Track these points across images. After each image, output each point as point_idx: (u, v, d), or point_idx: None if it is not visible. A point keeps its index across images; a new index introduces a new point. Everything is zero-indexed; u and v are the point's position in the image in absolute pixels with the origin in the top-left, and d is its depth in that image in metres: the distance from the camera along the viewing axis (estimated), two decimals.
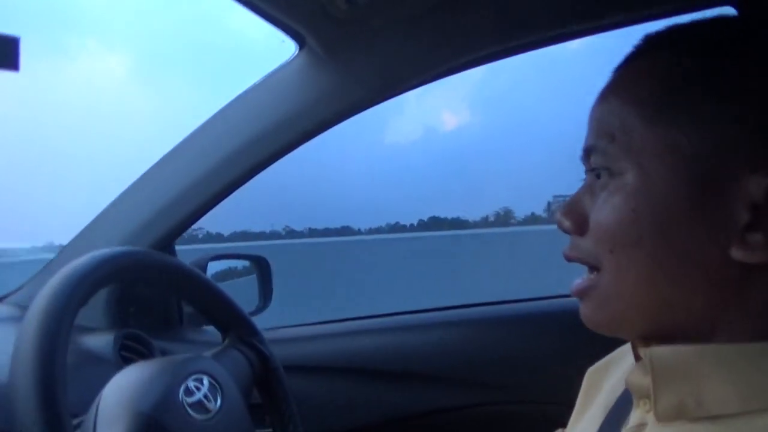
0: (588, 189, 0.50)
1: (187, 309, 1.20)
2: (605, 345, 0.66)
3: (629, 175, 0.45)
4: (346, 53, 0.88)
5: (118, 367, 0.94)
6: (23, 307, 1.08)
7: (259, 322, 0.93)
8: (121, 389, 0.64)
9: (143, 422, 0.60)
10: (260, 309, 1.27)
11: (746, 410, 0.41)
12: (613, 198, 0.46)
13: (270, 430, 0.85)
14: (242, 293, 1.17)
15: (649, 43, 0.49)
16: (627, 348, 0.65)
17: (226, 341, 0.84)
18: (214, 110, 1.03)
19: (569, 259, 0.52)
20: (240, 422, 0.72)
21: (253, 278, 1.33)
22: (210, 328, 1.22)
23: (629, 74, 0.49)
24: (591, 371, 0.68)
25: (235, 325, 0.85)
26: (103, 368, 0.91)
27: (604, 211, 0.47)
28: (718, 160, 0.42)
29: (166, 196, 1.02)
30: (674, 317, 0.46)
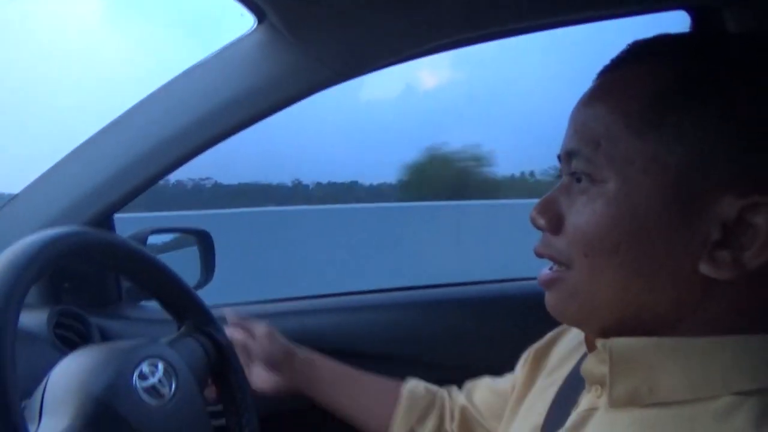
0: (565, 189, 0.51)
1: (126, 284, 1.15)
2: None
3: (611, 183, 0.47)
4: (308, 32, 0.85)
5: (53, 346, 0.90)
6: None
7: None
8: (70, 373, 0.61)
9: (93, 406, 0.58)
10: (202, 284, 1.24)
11: (694, 397, 0.45)
12: (594, 204, 0.48)
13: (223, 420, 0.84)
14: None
15: (637, 51, 0.50)
16: (565, 327, 0.69)
17: (182, 329, 0.82)
18: (187, 63, 0.97)
19: (540, 256, 0.54)
20: (194, 409, 0.70)
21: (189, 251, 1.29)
22: (150, 304, 1.18)
23: (616, 82, 0.49)
24: (535, 348, 0.72)
25: (191, 313, 0.83)
26: (38, 347, 0.87)
27: (582, 216, 0.49)
28: (698, 176, 0.44)
29: (108, 168, 0.97)
30: (638, 317, 0.48)
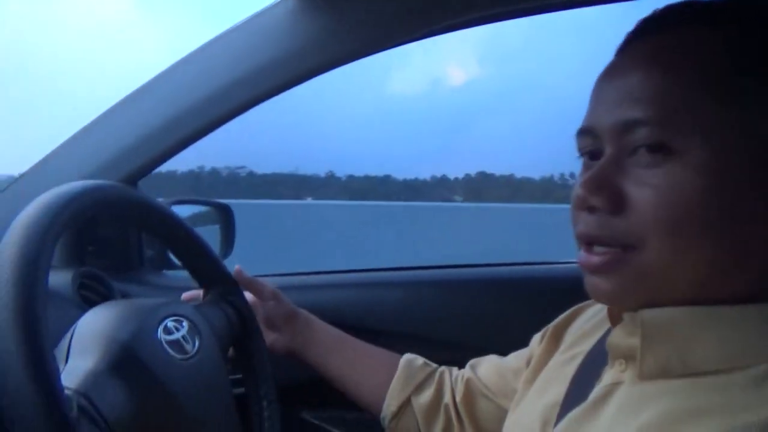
0: (613, 164, 0.48)
1: (148, 251, 1.17)
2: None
3: (696, 154, 0.44)
4: (340, 1, 0.85)
5: (77, 306, 0.91)
6: None
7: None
8: (97, 321, 0.63)
9: (118, 349, 0.59)
10: (222, 257, 1.25)
11: (728, 366, 0.44)
12: (676, 177, 0.44)
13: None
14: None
15: (679, 15, 0.48)
16: (590, 302, 0.68)
17: (208, 297, 0.83)
18: None
19: (592, 239, 0.49)
20: (216, 369, 0.71)
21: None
22: (171, 272, 1.19)
23: (673, 46, 0.47)
24: (554, 325, 0.71)
25: (217, 282, 0.83)
26: (64, 306, 0.88)
27: (662, 191, 0.45)
28: None
29: (135, 133, 0.97)
30: (704, 288, 0.46)
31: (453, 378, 0.85)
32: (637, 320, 0.48)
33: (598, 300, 0.51)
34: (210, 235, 1.28)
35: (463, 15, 0.90)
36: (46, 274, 0.52)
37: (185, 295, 0.90)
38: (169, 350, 0.64)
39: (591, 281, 0.50)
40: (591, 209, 0.48)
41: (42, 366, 0.47)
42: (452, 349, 1.11)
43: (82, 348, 0.59)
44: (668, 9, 0.49)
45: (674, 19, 0.48)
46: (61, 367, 0.57)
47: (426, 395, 0.83)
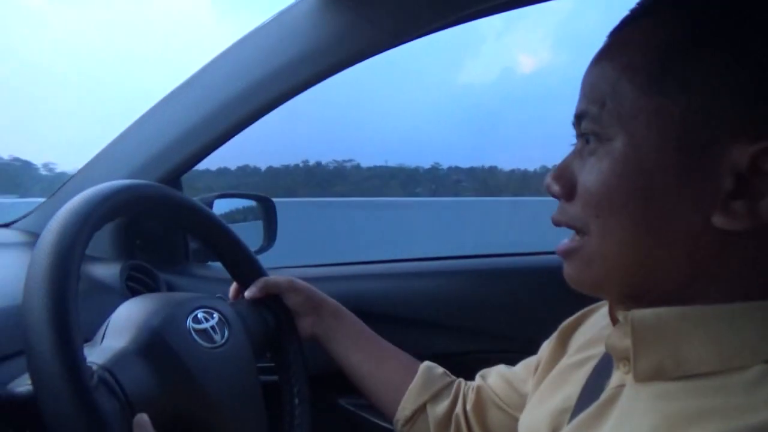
0: (578, 154, 0.51)
1: (193, 244, 1.22)
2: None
3: (618, 141, 0.46)
4: None
5: (125, 297, 0.97)
6: (30, 233, 1.09)
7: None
8: (132, 309, 0.68)
9: (148, 334, 0.64)
10: (264, 249, 1.29)
11: (723, 368, 0.43)
12: (601, 163, 0.47)
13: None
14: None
15: (645, 5, 0.49)
16: (599, 304, 0.67)
17: (245, 298, 0.87)
18: None
19: (557, 224, 0.53)
20: (244, 360, 0.74)
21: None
22: (216, 264, 1.24)
23: (623, 39, 0.49)
24: (564, 326, 0.71)
25: (253, 280, 0.87)
26: (111, 297, 0.94)
27: (591, 177, 0.48)
28: (705, 127, 0.43)
29: (174, 131, 1.02)
30: (655, 280, 0.47)
31: (466, 387, 0.85)
32: (628, 320, 0.47)
33: (570, 285, 0.53)
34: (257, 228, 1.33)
35: (486, 1, 0.89)
36: (79, 261, 0.57)
37: (233, 291, 0.93)
38: (197, 338, 0.68)
39: (564, 266, 0.53)
40: (554, 196, 0.52)
41: (66, 339, 0.51)
42: (475, 338, 1.11)
43: (116, 332, 0.65)
44: (638, 3, 0.49)
45: (634, 13, 0.49)
46: (95, 347, 0.63)
47: (443, 406, 0.83)
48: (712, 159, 0.43)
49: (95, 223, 0.62)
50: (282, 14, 0.97)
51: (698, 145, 0.43)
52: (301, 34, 0.95)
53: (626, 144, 0.46)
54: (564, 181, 0.51)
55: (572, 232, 0.52)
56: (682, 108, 0.43)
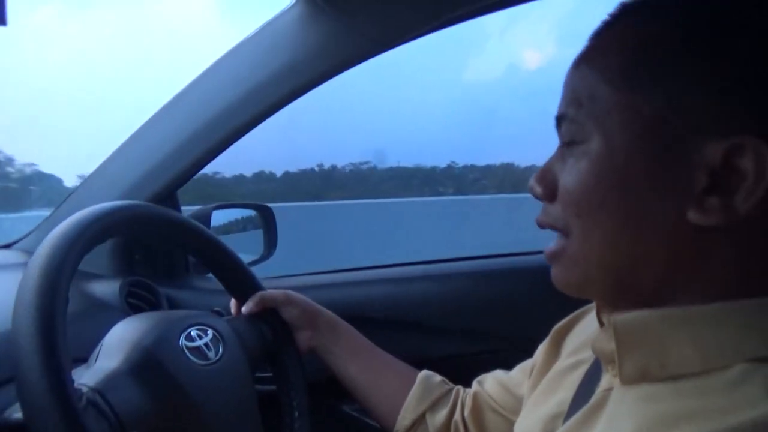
0: (559, 156, 0.51)
1: (192, 258, 1.22)
2: None
3: (594, 141, 0.47)
4: (345, 3, 0.86)
5: (125, 314, 0.97)
6: (28, 253, 1.10)
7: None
8: (126, 329, 0.69)
9: (140, 353, 0.65)
10: (264, 258, 1.29)
11: (707, 368, 0.43)
12: (579, 164, 0.48)
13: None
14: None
15: (623, 10, 0.49)
16: (591, 306, 0.67)
17: (242, 314, 0.87)
18: None
19: (541, 225, 0.53)
20: (239, 377, 0.74)
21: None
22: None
23: (600, 42, 0.49)
24: (556, 329, 0.71)
25: (249, 295, 0.87)
26: (110, 314, 0.94)
27: (570, 177, 0.49)
28: (677, 124, 0.43)
29: (165, 147, 1.02)
30: (637, 279, 0.47)
31: (464, 394, 0.85)
32: (611, 324, 0.47)
33: (558, 288, 0.53)
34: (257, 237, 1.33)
35: (472, 3, 0.88)
36: (67, 284, 0.58)
37: (233, 308, 0.93)
38: (190, 356, 0.69)
39: (551, 270, 0.53)
40: (538, 198, 0.53)
41: (53, 362, 0.52)
42: (472, 340, 1.11)
43: (109, 352, 0.65)
44: (618, 6, 0.50)
45: (613, 17, 0.49)
46: (89, 368, 0.64)
47: (442, 414, 0.83)
48: (685, 155, 0.43)
49: (84, 245, 0.63)
50: (267, 26, 0.97)
51: (670, 142, 0.43)
52: (287, 45, 0.95)
53: (601, 143, 0.46)
54: (546, 182, 0.52)
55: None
56: (653, 105, 0.44)
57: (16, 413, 0.58)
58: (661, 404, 0.44)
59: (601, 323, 0.55)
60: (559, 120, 0.50)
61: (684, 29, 0.44)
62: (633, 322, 0.46)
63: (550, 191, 0.51)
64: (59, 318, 0.55)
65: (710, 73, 0.42)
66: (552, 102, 0.53)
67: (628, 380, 0.46)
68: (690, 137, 0.43)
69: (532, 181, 0.53)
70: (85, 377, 0.61)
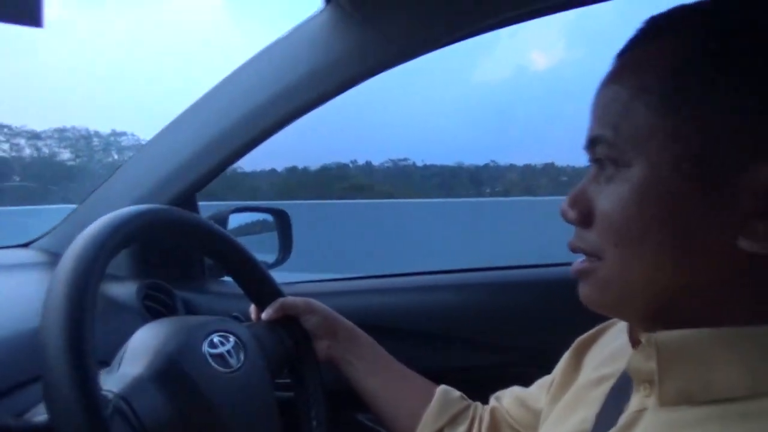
0: (593, 179, 0.50)
1: (209, 261, 1.22)
2: None
3: (636, 166, 0.45)
4: (374, 10, 0.86)
5: (142, 316, 0.97)
6: (48, 253, 1.10)
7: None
8: (149, 335, 0.68)
9: (164, 360, 0.64)
10: (280, 262, 1.29)
11: (754, 392, 0.42)
12: (620, 190, 0.46)
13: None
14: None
15: (654, 26, 0.48)
16: (615, 320, 0.66)
17: (262, 320, 0.86)
18: None
19: (574, 250, 0.52)
20: (260, 384, 0.73)
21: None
22: (231, 280, 1.24)
23: (633, 60, 0.48)
24: (579, 342, 0.69)
25: (270, 301, 0.87)
26: (128, 316, 0.94)
27: (610, 204, 0.47)
28: (722, 147, 0.42)
29: (187, 150, 1.02)
30: (678, 303, 0.46)
31: (482, 410, 0.84)
32: (652, 342, 0.46)
33: (586, 305, 0.52)
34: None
35: (497, 15, 0.88)
36: (95, 289, 0.58)
37: (254, 314, 0.92)
38: (213, 363, 0.68)
39: (579, 285, 0.52)
40: (570, 222, 0.52)
41: (82, 370, 0.52)
42: (488, 351, 1.10)
43: (132, 358, 0.65)
44: (645, 22, 0.49)
45: (642, 34, 0.49)
46: (113, 373, 0.63)
47: (461, 430, 0.82)
48: (732, 180, 0.42)
49: (111, 250, 0.62)
50: (295, 30, 0.97)
51: (717, 166, 0.42)
52: (313, 51, 0.95)
53: (645, 169, 0.45)
54: (581, 207, 0.50)
55: None
56: (697, 129, 0.43)
57: (39, 416, 0.58)
58: (703, 428, 0.42)
59: (634, 342, 0.54)
60: (593, 142, 0.49)
61: (723, 49, 0.43)
62: (679, 341, 0.45)
63: (585, 216, 0.50)
64: (89, 325, 0.54)
65: (749, 93, 0.42)
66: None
67: (667, 402, 0.45)
68: (736, 161, 0.42)
69: (564, 205, 0.52)
70: (110, 383, 0.60)
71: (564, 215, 0.52)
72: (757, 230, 0.42)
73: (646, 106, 0.45)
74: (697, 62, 0.43)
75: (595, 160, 0.49)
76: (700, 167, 0.43)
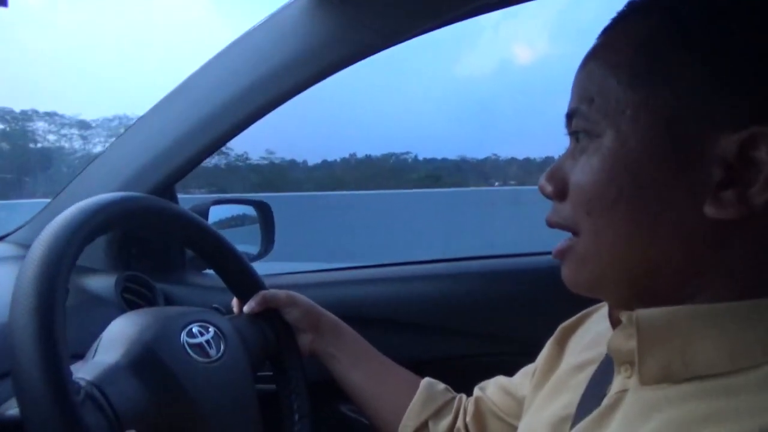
0: (570, 154, 0.51)
1: (189, 253, 1.20)
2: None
3: (606, 137, 0.46)
4: None
5: (121, 309, 0.95)
6: (23, 246, 1.08)
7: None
8: (126, 324, 0.67)
9: (140, 349, 0.63)
10: (262, 254, 1.27)
11: (735, 368, 0.42)
12: (591, 160, 0.47)
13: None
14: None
15: (631, 7, 0.49)
16: (598, 306, 0.66)
17: (243, 312, 0.85)
18: None
19: (550, 224, 0.53)
20: (240, 374, 0.73)
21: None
22: (213, 273, 1.23)
23: (609, 39, 0.49)
24: (562, 328, 0.69)
25: (251, 294, 0.86)
26: (106, 309, 0.93)
27: (581, 174, 0.48)
28: (691, 119, 0.43)
29: (165, 139, 1.00)
30: (654, 278, 0.46)
31: (466, 403, 0.84)
32: (633, 320, 0.46)
33: (567, 286, 0.52)
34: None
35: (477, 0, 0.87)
36: (67, 275, 0.57)
37: (236, 307, 0.91)
38: (191, 353, 0.67)
39: (561, 268, 0.53)
40: (548, 197, 0.52)
41: (51, 354, 0.51)
42: (475, 341, 1.10)
43: (108, 347, 0.64)
44: (624, 5, 0.50)
45: (621, 14, 0.50)
46: (87, 362, 0.62)
47: (445, 422, 0.82)
48: (700, 149, 0.43)
49: (85, 236, 0.61)
50: (272, 17, 0.95)
51: (685, 136, 0.43)
52: (291, 37, 0.93)
53: (614, 139, 0.46)
54: (556, 181, 0.51)
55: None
56: (666, 100, 0.44)
57: (11, 410, 0.56)
58: (685, 405, 0.42)
59: (614, 323, 0.54)
60: (570, 116, 0.50)
61: (689, 26, 0.44)
62: (658, 317, 0.45)
63: (560, 190, 0.51)
64: (58, 310, 0.53)
65: (717, 67, 0.42)
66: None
67: (648, 380, 0.45)
68: (703, 132, 0.43)
69: (542, 180, 0.52)
70: (83, 371, 0.59)
71: (542, 190, 0.52)
72: (723, 198, 0.42)
73: (617, 81, 0.46)
74: (667, 37, 0.44)
75: (572, 133, 0.50)
76: (668, 139, 0.44)
